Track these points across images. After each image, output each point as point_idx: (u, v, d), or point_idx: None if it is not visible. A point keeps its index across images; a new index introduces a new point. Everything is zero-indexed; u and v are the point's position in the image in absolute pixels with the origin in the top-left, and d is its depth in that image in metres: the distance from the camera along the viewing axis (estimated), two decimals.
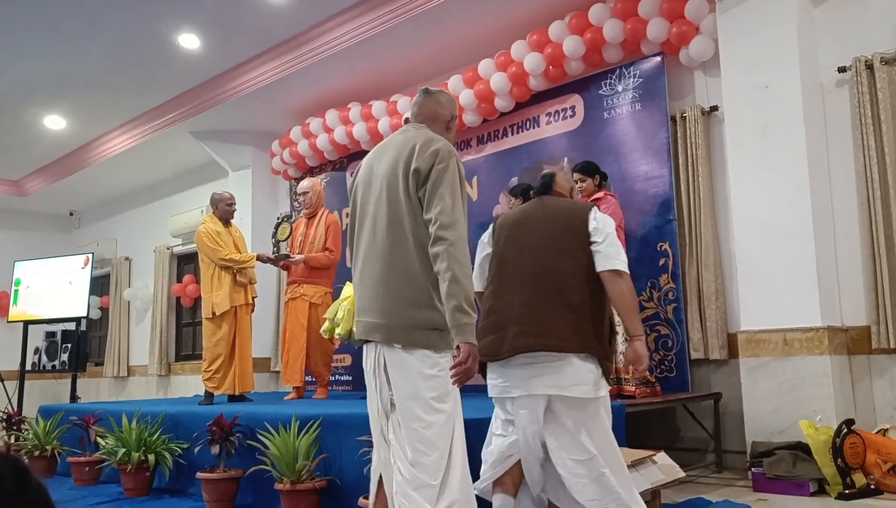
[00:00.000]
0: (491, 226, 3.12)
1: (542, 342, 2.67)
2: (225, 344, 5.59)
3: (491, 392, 2.88)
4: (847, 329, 4.40)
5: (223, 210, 5.77)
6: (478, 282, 2.95)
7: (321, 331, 5.51)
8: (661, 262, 5.07)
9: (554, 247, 2.81)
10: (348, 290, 5.53)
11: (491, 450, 2.89)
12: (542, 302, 2.74)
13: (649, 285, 5.09)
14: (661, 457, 3.65)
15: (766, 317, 4.35)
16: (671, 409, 4.97)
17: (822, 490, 3.86)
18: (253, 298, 5.79)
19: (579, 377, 2.67)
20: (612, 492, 2.64)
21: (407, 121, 2.79)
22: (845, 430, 3.76)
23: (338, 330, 5.32)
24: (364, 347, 2.54)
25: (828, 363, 4.12)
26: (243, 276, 5.64)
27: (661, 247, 5.08)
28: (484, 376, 2.86)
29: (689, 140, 5.13)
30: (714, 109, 5.09)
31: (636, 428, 4.33)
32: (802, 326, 4.21)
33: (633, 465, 3.34)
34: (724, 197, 4.94)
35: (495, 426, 2.93)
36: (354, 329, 2.92)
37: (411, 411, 2.31)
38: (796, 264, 4.28)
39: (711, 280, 4.93)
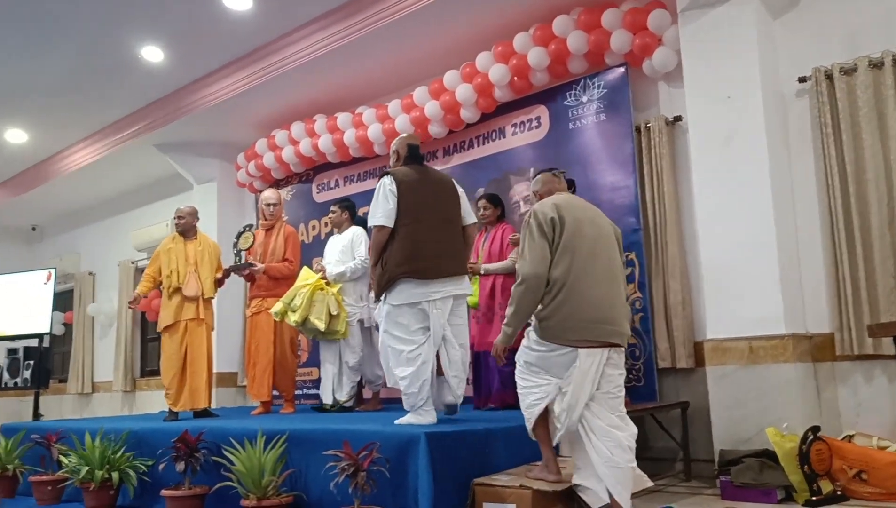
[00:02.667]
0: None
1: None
2: (175, 360, 5.54)
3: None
4: (811, 336, 4.45)
5: (174, 225, 5.84)
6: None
7: (272, 312, 5.49)
8: (628, 271, 5.09)
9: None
10: (307, 275, 5.50)
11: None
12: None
13: None
14: None
15: (732, 325, 4.38)
16: (639, 419, 4.94)
17: (789, 497, 3.88)
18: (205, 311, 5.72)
19: None
20: None
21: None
22: (811, 437, 3.79)
23: (293, 316, 5.29)
24: (586, 350, 3.15)
25: (793, 370, 4.16)
26: (191, 290, 5.59)
27: (627, 257, 5.10)
28: None
29: (653, 150, 5.18)
30: (678, 119, 5.14)
31: None
32: (767, 334, 4.24)
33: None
34: (690, 207, 4.98)
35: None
36: (533, 319, 3.32)
37: (618, 396, 3.24)
38: (760, 272, 4.32)
39: (678, 290, 4.96)
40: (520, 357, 3.39)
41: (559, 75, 5.58)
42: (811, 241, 4.54)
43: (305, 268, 5.68)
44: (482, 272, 5.07)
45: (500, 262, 5.09)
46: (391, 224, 3.94)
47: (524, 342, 3.38)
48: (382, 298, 4.00)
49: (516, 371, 3.41)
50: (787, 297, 4.29)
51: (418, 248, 3.89)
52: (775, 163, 4.45)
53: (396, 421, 3.87)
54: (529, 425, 3.35)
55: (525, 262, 3.25)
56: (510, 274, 4.98)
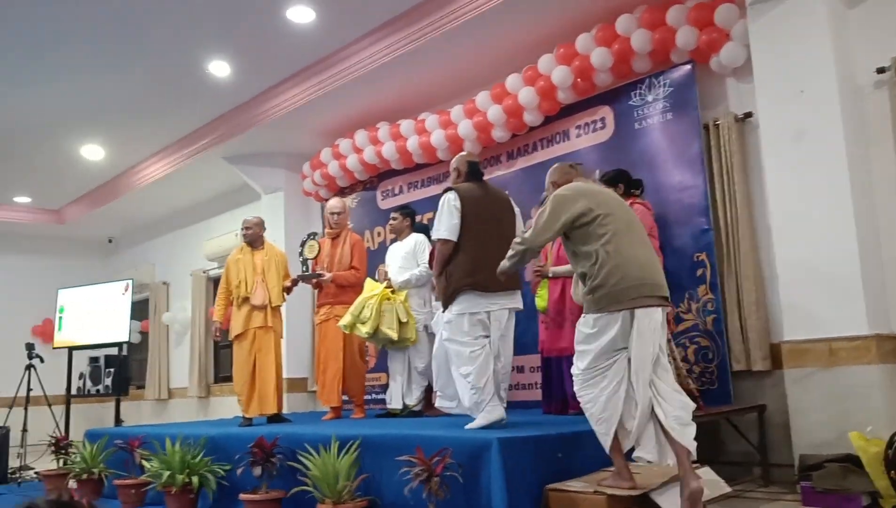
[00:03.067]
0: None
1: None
2: (245, 367, 5.70)
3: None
4: None
5: (243, 236, 5.99)
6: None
7: (340, 325, 5.54)
8: (699, 273, 4.99)
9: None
10: (372, 286, 5.54)
11: None
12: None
13: (687, 296, 5.02)
14: (706, 472, 3.58)
15: (810, 326, 4.24)
16: (714, 422, 4.87)
17: (875, 503, 3.74)
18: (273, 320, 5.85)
19: None
20: None
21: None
22: None
23: (364, 328, 5.34)
24: (643, 310, 3.20)
25: (876, 372, 4.01)
26: (259, 299, 5.71)
27: (697, 258, 5.00)
28: None
29: (722, 148, 5.06)
30: (748, 115, 5.02)
31: None
32: (848, 334, 4.10)
33: (677, 480, 3.28)
34: (762, 205, 4.86)
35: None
36: (586, 298, 3.35)
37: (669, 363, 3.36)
38: (840, 270, 4.17)
39: (751, 290, 4.84)
40: (576, 369, 3.34)
41: (623, 75, 5.51)
42: (893, 237, 4.36)
43: (369, 279, 5.74)
44: (550, 275, 5.03)
45: (568, 265, 5.04)
46: (455, 238, 4.16)
47: (577, 347, 3.35)
48: (447, 307, 4.20)
49: (576, 390, 3.34)
50: (869, 296, 4.13)
51: (479, 261, 4.08)
52: (853, 157, 4.29)
53: (467, 426, 3.93)
54: (608, 441, 3.25)
55: (534, 231, 3.41)
56: None
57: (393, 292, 5.53)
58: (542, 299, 5.04)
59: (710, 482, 3.48)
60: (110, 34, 5.90)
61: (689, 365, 4.90)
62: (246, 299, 5.75)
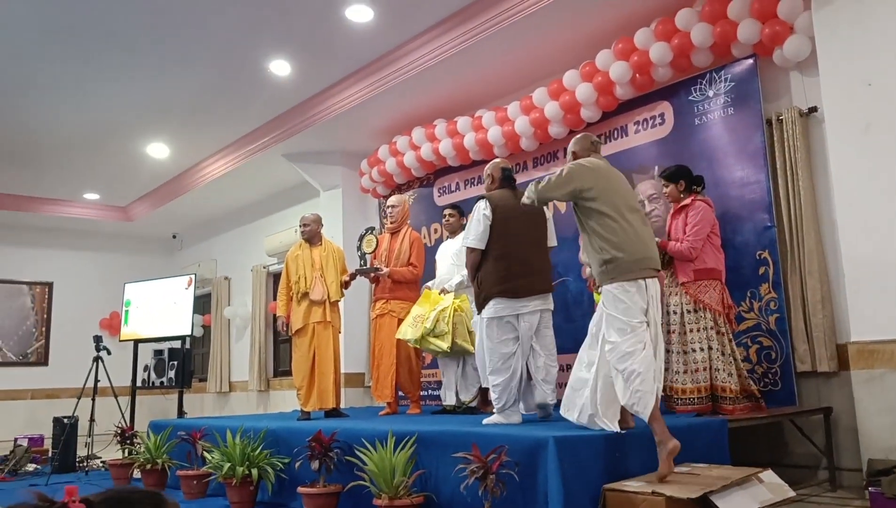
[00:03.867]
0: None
1: None
2: (305, 361, 5.79)
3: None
4: None
5: (301, 232, 6.09)
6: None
7: (406, 339, 5.51)
8: (762, 271, 4.88)
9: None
10: (435, 299, 5.52)
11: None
12: None
13: (749, 294, 4.91)
14: (768, 475, 3.50)
15: (880, 326, 4.10)
16: (777, 424, 4.76)
17: None
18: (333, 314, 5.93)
19: None
20: None
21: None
22: None
23: (442, 343, 5.29)
24: (652, 280, 3.62)
25: None
26: (318, 294, 5.79)
27: (760, 255, 4.89)
28: None
29: (786, 143, 4.93)
30: (813, 109, 4.87)
31: (739, 445, 4.18)
32: None
33: (738, 483, 3.23)
34: (827, 201, 4.72)
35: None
36: (600, 270, 3.68)
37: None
38: None
39: (816, 288, 4.70)
40: (612, 339, 3.52)
41: (683, 70, 5.41)
42: None
43: (427, 289, 5.74)
44: None
45: None
46: (483, 246, 4.39)
47: (608, 320, 3.58)
48: (480, 311, 4.45)
49: (614, 363, 3.50)
50: None
51: (511, 268, 4.31)
52: None
53: (484, 421, 4.27)
54: (649, 410, 3.37)
55: (546, 186, 3.75)
56: None
57: (443, 294, 5.53)
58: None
59: (774, 485, 3.41)
60: (175, 35, 6.06)
61: (750, 365, 4.79)
62: (305, 295, 5.85)
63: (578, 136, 4.10)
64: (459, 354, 5.47)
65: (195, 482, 5.10)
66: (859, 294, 4.26)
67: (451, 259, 5.72)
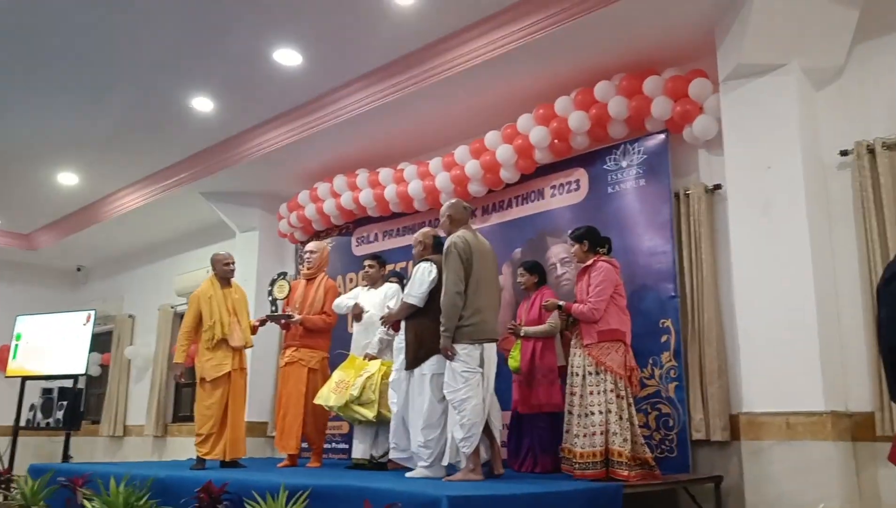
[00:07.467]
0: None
1: None
2: (217, 409, 5.50)
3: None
4: (852, 415, 4.28)
5: (221, 270, 5.79)
6: None
7: (328, 406, 5.36)
8: (664, 339, 5.01)
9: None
10: (361, 364, 5.41)
11: None
12: None
13: (651, 362, 5.02)
14: None
15: (769, 399, 4.26)
16: (671, 491, 4.83)
17: None
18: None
19: None
20: None
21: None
22: None
23: (369, 412, 5.17)
24: (487, 345, 4.37)
25: (832, 448, 4.02)
26: (238, 340, 5.60)
27: (662, 324, 5.03)
28: None
29: (692, 217, 5.14)
30: (717, 187, 5.11)
31: None
32: (806, 410, 4.11)
33: None
34: (727, 274, 4.91)
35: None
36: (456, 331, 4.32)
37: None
38: (799, 345, 4.21)
39: (714, 357, 4.85)
40: (449, 373, 4.30)
41: (599, 139, 5.61)
42: (853, 316, 4.41)
43: (352, 355, 5.63)
44: (522, 334, 5.04)
45: (539, 326, 5.04)
46: (422, 305, 4.65)
47: (447, 363, 4.33)
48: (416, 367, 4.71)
49: (445, 390, 4.32)
50: (826, 372, 4.16)
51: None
52: (815, 234, 4.37)
53: (407, 475, 4.39)
54: (473, 442, 4.17)
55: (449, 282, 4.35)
56: (549, 338, 4.99)
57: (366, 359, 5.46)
58: (514, 360, 5.06)
59: None
60: (91, 62, 5.90)
61: (649, 431, 4.87)
62: (222, 341, 5.56)
63: (451, 201, 4.65)
64: (380, 421, 5.34)
65: None
66: (752, 366, 4.42)
67: (377, 309, 5.61)
